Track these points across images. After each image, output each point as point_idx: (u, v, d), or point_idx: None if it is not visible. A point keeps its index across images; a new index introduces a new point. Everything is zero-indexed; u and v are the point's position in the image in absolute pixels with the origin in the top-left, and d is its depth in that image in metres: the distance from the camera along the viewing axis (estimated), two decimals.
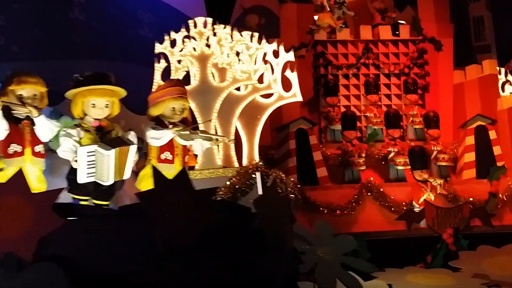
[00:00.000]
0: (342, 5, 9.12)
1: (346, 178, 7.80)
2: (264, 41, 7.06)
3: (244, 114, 6.79)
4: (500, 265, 5.90)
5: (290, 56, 7.11)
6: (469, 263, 5.93)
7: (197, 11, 9.52)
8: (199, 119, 5.61)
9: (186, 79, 5.70)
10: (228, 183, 5.07)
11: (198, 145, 4.97)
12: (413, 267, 5.81)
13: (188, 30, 5.78)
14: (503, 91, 8.89)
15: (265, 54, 6.88)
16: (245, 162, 5.96)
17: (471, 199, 7.27)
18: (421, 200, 6.95)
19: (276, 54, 7.07)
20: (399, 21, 9.62)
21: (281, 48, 7.12)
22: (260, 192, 4.16)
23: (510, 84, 8.56)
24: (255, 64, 6.20)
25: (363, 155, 7.90)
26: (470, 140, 8.08)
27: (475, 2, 11.84)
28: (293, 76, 7.16)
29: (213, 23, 5.79)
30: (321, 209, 7.08)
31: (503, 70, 9.15)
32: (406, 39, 9.16)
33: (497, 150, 7.95)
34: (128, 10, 8.21)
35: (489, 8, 11.90)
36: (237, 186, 4.92)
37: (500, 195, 7.36)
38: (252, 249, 3.65)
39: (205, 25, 5.67)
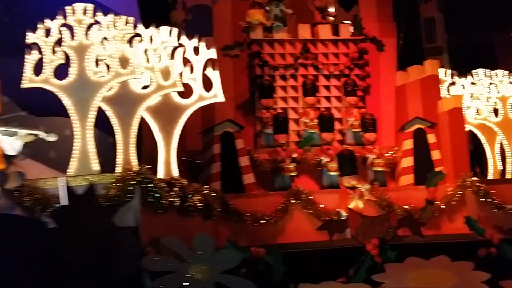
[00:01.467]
0: (279, 2, 8.66)
1: (276, 185, 7.32)
2: (184, 37, 6.60)
3: (160, 116, 6.30)
4: (426, 279, 5.44)
5: (212, 54, 6.63)
6: (394, 276, 5.47)
7: (128, 9, 9.02)
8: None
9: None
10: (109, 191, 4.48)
11: (6, 144, 4.38)
12: (330, 282, 5.32)
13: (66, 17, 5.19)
14: (449, 93, 8.55)
15: (184, 51, 6.42)
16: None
17: (406, 206, 6.87)
18: (350, 207, 6.50)
19: (197, 51, 6.61)
20: (344, 21, 9.23)
21: (202, 45, 6.64)
22: (63, 202, 3.59)
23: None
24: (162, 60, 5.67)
25: (296, 160, 7.42)
26: (409, 144, 7.68)
27: (426, 3, 11.59)
28: (214, 75, 6.67)
29: (95, 11, 5.22)
30: (245, 218, 6.59)
31: (449, 71, 8.81)
32: (346, 39, 8.74)
33: (436, 154, 7.55)
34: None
35: (441, 9, 11.67)
36: (114, 194, 4.36)
37: (438, 202, 6.95)
38: None
39: (85, 12, 5.11)
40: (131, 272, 3.54)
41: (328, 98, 8.70)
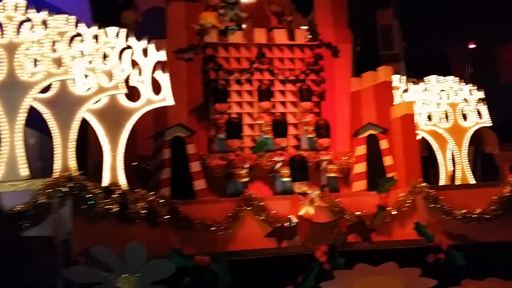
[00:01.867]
0: (234, 5, 8.55)
1: (228, 191, 7.18)
2: (133, 38, 6.42)
3: (106, 120, 6.09)
4: (374, 285, 5.43)
5: (161, 56, 6.47)
6: (342, 283, 5.42)
7: (80, 10, 8.78)
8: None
9: None
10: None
11: None
12: None
13: None
14: (403, 99, 8.60)
15: (132, 53, 6.23)
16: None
17: (358, 212, 6.84)
18: (301, 213, 6.42)
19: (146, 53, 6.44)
20: (301, 27, 9.19)
21: (151, 47, 6.47)
22: None
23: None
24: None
25: (247, 166, 7.31)
26: (361, 150, 7.68)
27: (383, 10, 11.69)
28: (164, 78, 6.51)
29: (27, 8, 4.98)
30: (194, 225, 6.42)
31: (403, 78, 8.88)
32: (302, 44, 8.70)
33: (388, 160, 7.57)
34: None
35: (397, 17, 11.80)
36: (42, 202, 4.14)
37: (389, 208, 6.95)
38: None
39: (16, 9, 4.87)
40: (46, 284, 3.32)
41: (283, 103, 8.64)
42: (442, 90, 7.42)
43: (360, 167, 7.58)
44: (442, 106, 7.31)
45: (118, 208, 4.51)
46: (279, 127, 7.63)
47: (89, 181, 4.43)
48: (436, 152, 7.98)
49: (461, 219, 6.49)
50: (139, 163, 7.41)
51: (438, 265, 6.07)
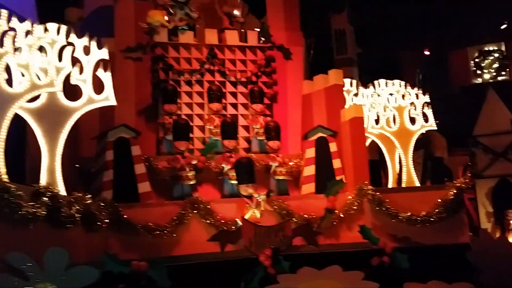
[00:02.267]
0: (184, 5, 8.40)
1: (174, 194, 7.01)
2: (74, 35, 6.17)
3: (44, 119, 5.82)
4: None
5: (103, 54, 6.24)
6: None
7: (25, 6, 8.43)
8: None
9: None
10: None
11: None
12: None
13: None
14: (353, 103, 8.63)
15: (73, 51, 5.99)
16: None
17: (306, 215, 6.79)
18: (247, 217, 6.31)
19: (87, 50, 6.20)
20: (255, 29, 9.13)
21: (93, 45, 6.23)
22: None
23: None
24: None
25: (197, 168, 7.15)
26: (311, 152, 7.65)
27: (337, 15, 11.77)
28: (106, 77, 6.29)
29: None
30: (137, 229, 6.22)
31: (354, 82, 8.93)
32: (253, 46, 8.64)
33: (337, 163, 7.56)
34: None
35: (351, 22, 11.90)
36: None
37: (337, 211, 6.93)
38: None
39: None
40: None
41: (234, 105, 8.55)
42: (390, 94, 7.47)
43: (309, 170, 7.54)
44: (389, 110, 7.36)
45: (45, 212, 4.27)
46: (228, 128, 7.51)
47: (14, 183, 4.18)
48: (385, 155, 8.03)
49: (406, 222, 6.53)
50: (82, 165, 7.14)
51: (382, 268, 6.08)
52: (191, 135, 7.80)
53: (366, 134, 7.67)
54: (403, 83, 7.43)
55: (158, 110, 7.99)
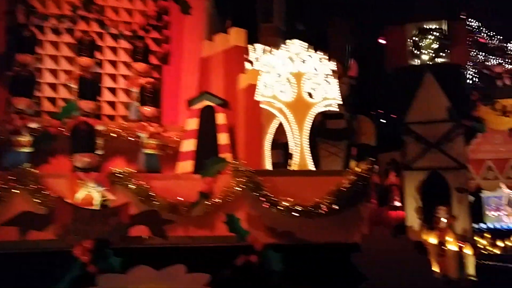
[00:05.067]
0: None
1: (5, 163, 5.50)
2: None
3: None
4: None
5: None
6: None
7: None
8: None
9: None
10: None
11: None
12: None
13: None
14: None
15: None
16: None
17: (178, 199, 5.42)
18: (80, 197, 4.88)
19: None
20: None
21: None
22: None
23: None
24: None
25: (32, 130, 5.68)
26: (193, 123, 6.26)
27: None
28: None
29: None
30: None
31: (260, 46, 7.58)
32: None
33: (223, 138, 6.20)
34: None
35: None
36: None
37: (216, 197, 5.57)
38: None
39: None
40: None
41: (114, 63, 7.10)
42: (289, 58, 6.09)
43: (188, 145, 6.15)
44: (284, 76, 5.97)
45: None
46: (87, 86, 6.02)
47: None
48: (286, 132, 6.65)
49: (288, 212, 5.21)
50: None
51: (249, 269, 4.78)
52: (40, 94, 6.34)
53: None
54: (305, 44, 6.10)
55: (11, 60, 6.46)
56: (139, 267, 4.31)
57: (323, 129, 9.62)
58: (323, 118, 9.65)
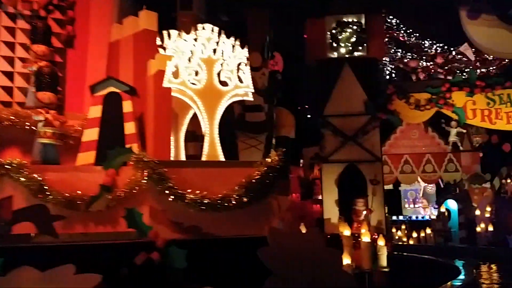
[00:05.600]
0: None
1: None
2: None
3: None
4: None
5: None
6: None
7: None
8: None
9: None
10: None
11: None
12: None
13: None
14: None
15: None
16: None
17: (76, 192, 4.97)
18: None
19: None
20: None
21: None
22: None
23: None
24: None
25: None
26: (96, 111, 5.81)
27: None
28: None
29: None
30: None
31: (175, 32, 7.20)
32: None
33: (130, 127, 5.80)
34: None
35: None
36: None
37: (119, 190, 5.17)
38: None
39: None
40: None
41: (11, 45, 6.48)
42: (201, 44, 5.78)
43: (90, 134, 5.69)
44: (195, 61, 5.66)
45: None
46: (43, 78, 5.42)
47: None
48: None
49: (195, 206, 4.92)
50: None
51: (151, 268, 4.44)
52: None
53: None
54: (216, 29, 5.82)
55: None
56: (22, 268, 3.86)
57: (243, 122, 9.42)
58: (242, 110, 9.45)
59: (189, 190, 4.98)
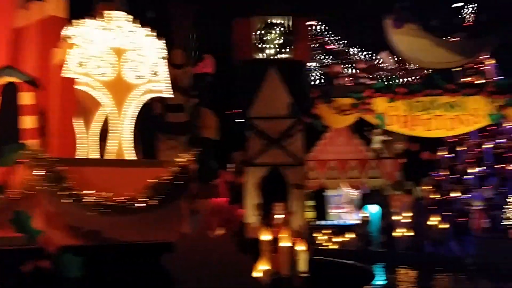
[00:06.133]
0: None
1: None
2: None
3: None
4: None
5: None
6: None
7: None
8: None
9: None
10: None
11: None
12: None
13: None
14: None
15: None
16: None
17: None
18: None
19: None
20: None
21: None
22: None
23: None
24: None
25: None
26: None
27: None
28: None
29: None
30: None
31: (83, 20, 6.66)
32: None
33: (28, 121, 5.24)
34: None
35: None
36: None
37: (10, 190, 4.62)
38: None
39: None
40: None
41: None
42: (109, 31, 5.28)
43: None
44: (103, 51, 5.18)
45: None
46: None
47: None
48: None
49: (94, 208, 4.49)
50: None
51: (41, 277, 3.96)
52: None
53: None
54: (130, 17, 5.40)
55: None
56: None
57: (164, 122, 8.99)
58: (163, 110, 9.04)
59: (88, 192, 4.53)
